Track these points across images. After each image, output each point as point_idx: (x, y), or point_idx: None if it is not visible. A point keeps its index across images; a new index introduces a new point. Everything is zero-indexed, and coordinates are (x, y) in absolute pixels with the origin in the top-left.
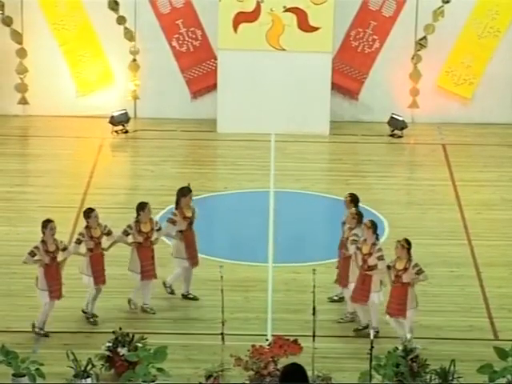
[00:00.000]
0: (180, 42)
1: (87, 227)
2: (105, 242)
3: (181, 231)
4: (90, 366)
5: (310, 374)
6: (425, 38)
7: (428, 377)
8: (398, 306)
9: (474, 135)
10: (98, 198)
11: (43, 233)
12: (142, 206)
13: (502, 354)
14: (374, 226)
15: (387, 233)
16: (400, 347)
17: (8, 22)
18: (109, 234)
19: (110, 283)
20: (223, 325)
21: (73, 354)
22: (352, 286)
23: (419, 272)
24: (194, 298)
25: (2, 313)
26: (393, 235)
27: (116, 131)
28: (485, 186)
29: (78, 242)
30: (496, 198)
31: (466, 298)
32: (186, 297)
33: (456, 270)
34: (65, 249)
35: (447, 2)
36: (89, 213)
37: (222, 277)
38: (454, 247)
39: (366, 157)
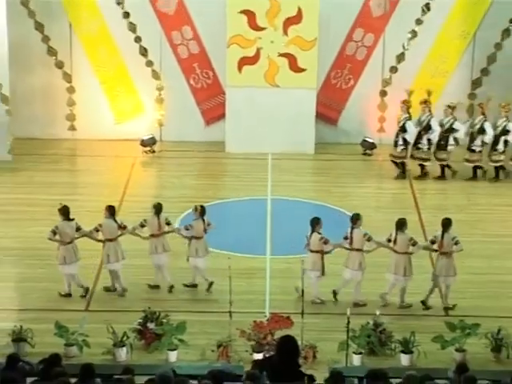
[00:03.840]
0: (196, 80)
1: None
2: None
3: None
4: (125, 338)
5: (299, 343)
6: (390, 77)
7: (393, 345)
8: None
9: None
10: (131, 205)
11: None
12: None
13: (452, 327)
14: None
15: None
16: (371, 322)
17: (60, 65)
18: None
19: (139, 272)
20: (231, 305)
21: (112, 327)
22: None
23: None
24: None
25: (55, 296)
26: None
27: (145, 151)
28: (437, 194)
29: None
30: (447, 204)
31: (424, 282)
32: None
33: (417, 260)
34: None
35: (407, 50)
36: None
37: (229, 266)
38: None
39: (344, 171)
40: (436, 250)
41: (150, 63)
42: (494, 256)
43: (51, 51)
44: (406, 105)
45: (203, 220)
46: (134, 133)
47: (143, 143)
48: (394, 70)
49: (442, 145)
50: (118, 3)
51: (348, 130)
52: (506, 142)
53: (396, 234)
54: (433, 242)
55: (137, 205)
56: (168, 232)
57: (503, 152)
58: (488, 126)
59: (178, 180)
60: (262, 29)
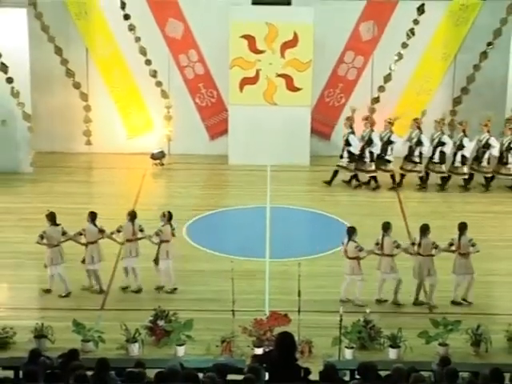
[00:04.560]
0: (201, 99)
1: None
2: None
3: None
4: (137, 334)
5: (296, 338)
6: (378, 95)
7: (382, 341)
8: None
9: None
10: (142, 213)
11: None
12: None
13: (435, 323)
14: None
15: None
16: (361, 319)
17: (77, 85)
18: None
19: (150, 274)
20: (233, 303)
21: (125, 325)
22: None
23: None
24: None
25: (75, 295)
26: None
27: (155, 164)
28: (420, 202)
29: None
30: (428, 211)
31: (409, 283)
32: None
33: (404, 262)
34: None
35: (393, 71)
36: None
37: (232, 269)
38: None
39: (336, 181)
40: (454, 251)
41: (159, 84)
42: (473, 259)
43: (69, 73)
44: (349, 121)
45: (171, 225)
46: (145, 147)
47: (153, 156)
48: (381, 89)
49: (382, 156)
50: (130, 29)
51: (340, 144)
52: (441, 152)
53: (420, 238)
54: (451, 245)
55: (147, 213)
56: (141, 238)
57: (440, 163)
58: (424, 139)
59: (185, 190)
60: (261, 52)
